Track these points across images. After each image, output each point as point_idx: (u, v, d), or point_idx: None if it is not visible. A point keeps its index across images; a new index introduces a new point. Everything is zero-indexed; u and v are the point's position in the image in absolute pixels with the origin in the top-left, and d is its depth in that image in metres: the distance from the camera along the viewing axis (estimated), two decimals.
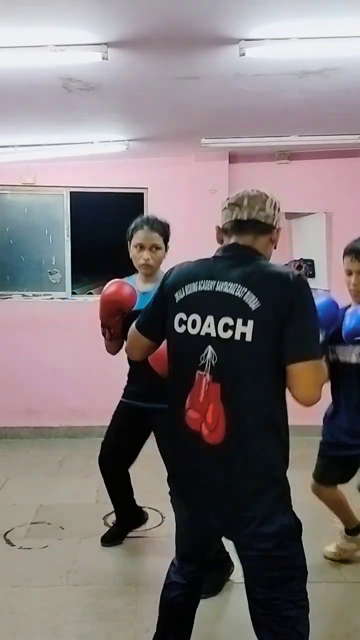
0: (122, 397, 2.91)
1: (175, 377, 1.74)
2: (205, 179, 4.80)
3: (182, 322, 1.66)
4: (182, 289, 1.68)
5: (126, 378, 2.89)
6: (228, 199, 1.74)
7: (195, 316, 1.64)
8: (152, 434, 2.81)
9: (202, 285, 1.65)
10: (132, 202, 4.98)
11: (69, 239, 5.03)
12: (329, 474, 2.75)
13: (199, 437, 1.62)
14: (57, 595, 2.67)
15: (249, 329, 1.54)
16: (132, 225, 2.74)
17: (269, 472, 1.60)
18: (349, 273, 2.53)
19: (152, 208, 4.93)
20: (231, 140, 4.21)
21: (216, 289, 1.62)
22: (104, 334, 2.70)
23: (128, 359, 2.79)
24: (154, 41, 2.41)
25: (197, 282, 1.66)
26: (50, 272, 5.09)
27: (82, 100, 3.15)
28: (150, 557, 3.02)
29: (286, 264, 4.77)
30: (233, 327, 1.56)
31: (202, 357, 1.61)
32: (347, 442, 2.64)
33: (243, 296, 1.56)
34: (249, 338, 1.54)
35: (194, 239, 4.69)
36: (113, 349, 2.76)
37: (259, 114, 3.57)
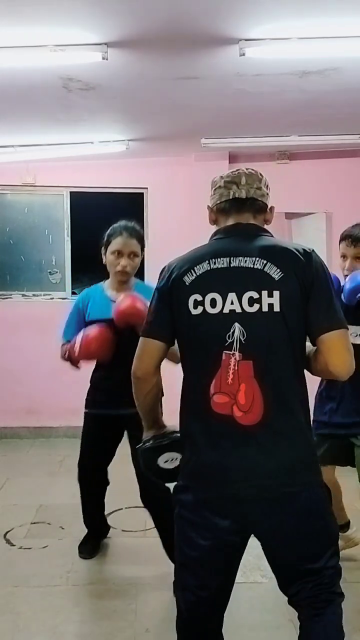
0: (89, 407, 2.90)
1: (192, 364, 1.62)
2: (205, 179, 4.74)
3: (198, 303, 1.56)
4: (191, 271, 1.59)
5: None
6: (222, 177, 1.70)
7: (213, 295, 1.55)
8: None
9: (214, 263, 1.58)
10: (132, 202, 4.99)
11: (69, 239, 5.03)
12: (324, 451, 2.72)
13: (231, 422, 1.52)
14: (57, 595, 2.67)
15: (275, 300, 1.52)
16: (110, 231, 2.70)
17: (310, 445, 1.59)
18: (344, 257, 2.59)
19: (152, 208, 4.94)
20: (231, 140, 4.21)
21: (232, 265, 1.56)
22: (71, 364, 2.77)
23: (95, 368, 2.86)
24: (153, 41, 2.41)
25: (207, 262, 1.59)
26: (50, 272, 5.09)
27: (82, 100, 3.15)
28: (150, 557, 3.01)
29: None
30: (259, 300, 1.52)
31: (229, 336, 1.53)
32: (339, 422, 2.64)
33: (264, 267, 1.54)
34: (277, 308, 1.52)
35: (194, 239, 4.68)
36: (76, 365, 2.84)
37: (259, 114, 3.57)
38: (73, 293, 5.14)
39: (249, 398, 1.51)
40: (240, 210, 1.66)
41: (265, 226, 1.70)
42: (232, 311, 1.54)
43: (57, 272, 5.08)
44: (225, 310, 1.54)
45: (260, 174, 1.68)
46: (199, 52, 2.54)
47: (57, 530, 3.30)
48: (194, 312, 1.57)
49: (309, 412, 1.61)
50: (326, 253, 4.82)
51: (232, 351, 1.53)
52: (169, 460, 1.74)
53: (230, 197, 1.66)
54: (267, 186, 1.69)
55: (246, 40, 2.37)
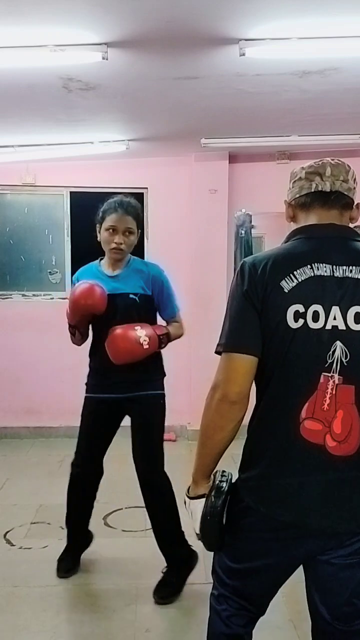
0: (90, 392, 2.77)
1: (281, 382, 1.41)
2: (205, 179, 4.79)
3: (299, 315, 1.36)
4: (291, 275, 1.38)
5: None
6: (303, 168, 1.49)
7: (316, 307, 1.36)
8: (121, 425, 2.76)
9: (317, 269, 1.37)
10: None
11: (69, 239, 5.03)
12: None
13: (321, 452, 1.37)
14: (57, 595, 2.67)
15: None
16: (104, 207, 2.59)
17: None
18: None
19: (152, 208, 4.93)
20: (231, 140, 4.21)
21: (335, 274, 1.37)
22: (72, 334, 2.66)
23: (90, 351, 2.76)
24: (154, 41, 2.41)
25: (309, 266, 1.38)
26: (50, 272, 5.09)
27: (82, 100, 3.15)
28: (150, 557, 3.01)
29: None
30: None
31: (329, 356, 1.35)
32: None
33: None
34: None
35: (194, 239, 4.69)
36: (79, 343, 2.76)
37: (259, 114, 3.57)
38: None
39: (346, 427, 1.36)
40: (325, 206, 1.46)
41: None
42: (335, 327, 1.36)
43: (57, 272, 5.08)
44: (328, 326, 1.36)
45: (348, 165, 1.48)
46: (199, 52, 2.53)
47: (57, 530, 3.30)
48: (293, 325, 1.37)
49: None
50: None
51: (332, 373, 1.36)
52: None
53: (313, 190, 1.45)
54: (355, 179, 1.49)
55: (246, 40, 2.37)
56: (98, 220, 2.61)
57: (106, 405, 2.71)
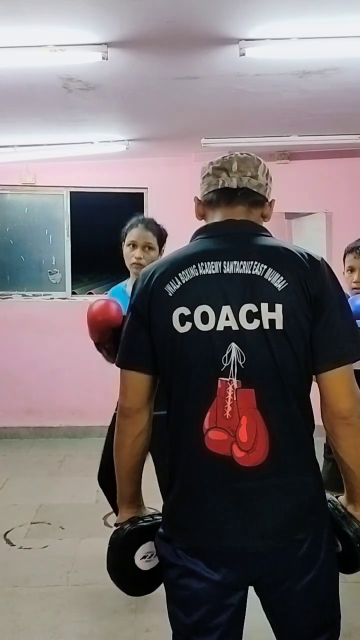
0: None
1: (180, 392, 1.31)
2: None
3: (185, 319, 1.26)
4: (175, 278, 1.29)
5: None
6: (211, 163, 1.39)
7: (204, 308, 1.26)
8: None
9: (203, 268, 1.28)
10: (132, 202, 4.99)
11: (69, 239, 5.03)
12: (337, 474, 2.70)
13: (229, 464, 1.25)
14: (57, 595, 2.67)
15: (277, 315, 1.24)
16: (127, 225, 2.69)
17: (319, 483, 1.35)
18: (351, 270, 2.53)
19: (152, 208, 4.93)
20: (231, 140, 4.21)
21: (224, 271, 1.27)
22: (100, 351, 2.70)
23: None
24: (154, 41, 2.41)
25: (193, 266, 1.28)
26: (50, 272, 5.09)
27: (82, 100, 3.15)
28: None
29: None
30: (258, 315, 1.24)
31: (225, 359, 1.25)
32: None
33: (264, 274, 1.25)
34: (279, 325, 1.24)
35: None
36: (111, 360, 2.78)
37: (259, 114, 3.57)
38: (73, 293, 5.15)
39: (252, 434, 1.25)
40: (231, 203, 1.36)
41: (264, 224, 1.41)
42: (228, 328, 1.25)
43: (57, 272, 5.08)
44: (219, 328, 1.25)
45: (258, 159, 1.38)
46: (199, 52, 2.53)
47: (57, 530, 3.30)
48: (180, 329, 1.27)
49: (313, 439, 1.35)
50: (326, 253, 4.83)
51: (229, 377, 1.25)
52: (147, 556, 1.40)
53: (219, 187, 1.36)
54: (267, 174, 1.39)
55: (246, 40, 2.37)
56: (122, 238, 2.69)
57: None
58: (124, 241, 2.68)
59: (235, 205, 1.36)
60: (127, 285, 2.76)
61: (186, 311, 1.27)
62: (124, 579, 1.47)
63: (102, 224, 6.32)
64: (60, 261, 5.06)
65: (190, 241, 1.40)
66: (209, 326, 1.26)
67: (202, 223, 1.42)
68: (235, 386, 1.25)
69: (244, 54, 2.41)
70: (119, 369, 1.43)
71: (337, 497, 1.41)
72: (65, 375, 4.90)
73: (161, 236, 2.69)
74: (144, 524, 1.41)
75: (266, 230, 1.38)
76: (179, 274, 1.29)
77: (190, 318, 1.27)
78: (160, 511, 1.41)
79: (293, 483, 1.29)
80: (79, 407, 4.94)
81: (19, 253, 5.08)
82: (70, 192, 4.99)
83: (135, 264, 2.62)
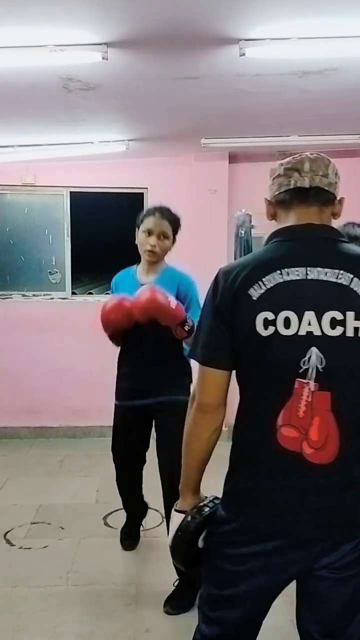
0: (119, 399, 2.83)
1: (257, 390, 1.40)
2: (205, 179, 4.79)
3: (268, 323, 1.33)
4: (259, 283, 1.35)
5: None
6: (282, 164, 1.44)
7: (287, 313, 1.32)
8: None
9: (287, 274, 1.34)
10: (132, 202, 4.98)
11: (69, 239, 5.03)
12: None
13: (299, 460, 1.34)
14: (57, 595, 2.67)
15: None
16: (144, 212, 2.74)
17: None
18: None
19: None
20: (231, 140, 4.21)
21: (309, 277, 1.33)
22: (111, 340, 2.74)
23: (119, 359, 2.81)
24: (154, 41, 2.41)
25: (278, 272, 1.34)
26: (50, 272, 5.09)
27: (82, 100, 3.15)
28: (150, 557, 3.02)
29: None
30: (343, 322, 1.31)
31: (304, 362, 1.32)
32: None
33: (350, 283, 1.31)
34: None
35: (194, 239, 4.69)
36: (118, 343, 2.79)
37: (259, 114, 3.57)
38: (73, 293, 5.15)
39: (323, 434, 1.33)
40: (304, 202, 1.42)
41: (332, 222, 1.49)
42: (310, 334, 1.32)
43: (57, 272, 5.08)
44: (301, 332, 1.33)
45: (328, 159, 1.45)
46: (199, 52, 2.53)
47: (57, 530, 3.30)
48: (263, 333, 1.34)
49: None
50: None
51: (307, 380, 1.33)
52: (202, 537, 1.52)
53: (292, 187, 1.41)
54: (336, 173, 1.46)
55: (246, 40, 2.36)
56: (137, 225, 2.72)
57: (137, 413, 2.76)
58: (139, 227, 2.71)
59: (309, 205, 1.42)
60: (137, 271, 2.78)
61: (270, 316, 1.34)
62: (186, 560, 1.56)
63: (102, 224, 6.34)
64: (60, 261, 5.07)
65: (267, 242, 1.45)
66: (291, 331, 1.33)
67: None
68: (312, 388, 1.33)
69: (244, 54, 2.41)
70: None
71: None
72: (65, 375, 4.89)
73: (176, 225, 2.74)
74: (208, 512, 1.51)
75: (343, 236, 1.43)
76: (263, 279, 1.35)
77: (273, 322, 1.34)
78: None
79: (358, 482, 1.36)
80: (79, 407, 4.94)
81: (19, 253, 5.08)
82: (70, 192, 4.99)
83: (150, 251, 2.65)
